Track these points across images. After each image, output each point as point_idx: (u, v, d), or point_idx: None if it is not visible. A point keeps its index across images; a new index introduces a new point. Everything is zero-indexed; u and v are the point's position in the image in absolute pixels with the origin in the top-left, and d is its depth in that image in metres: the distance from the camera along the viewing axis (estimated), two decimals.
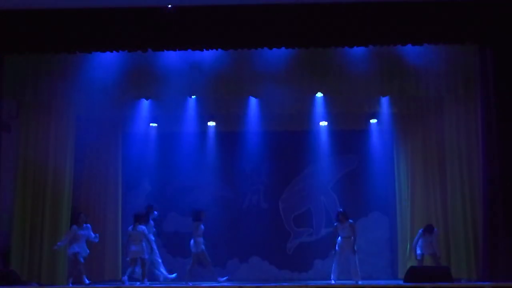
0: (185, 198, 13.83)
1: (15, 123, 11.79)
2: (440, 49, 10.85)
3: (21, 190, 11.32)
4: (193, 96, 12.07)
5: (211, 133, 13.75)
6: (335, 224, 11.52)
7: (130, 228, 11.27)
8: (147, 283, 10.97)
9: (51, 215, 11.45)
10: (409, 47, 10.64)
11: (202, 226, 11.38)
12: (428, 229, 11.44)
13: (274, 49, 10.54)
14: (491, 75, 10.39)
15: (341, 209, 11.67)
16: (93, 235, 11.30)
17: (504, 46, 10.28)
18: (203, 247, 11.32)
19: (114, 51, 10.52)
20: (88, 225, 11.42)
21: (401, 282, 10.51)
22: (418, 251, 11.46)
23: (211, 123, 13.46)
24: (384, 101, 12.26)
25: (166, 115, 12.92)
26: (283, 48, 10.55)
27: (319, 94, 11.90)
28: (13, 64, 11.01)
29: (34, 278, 11.08)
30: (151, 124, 13.42)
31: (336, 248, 11.33)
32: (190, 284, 10.93)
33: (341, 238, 11.34)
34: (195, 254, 11.34)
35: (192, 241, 11.38)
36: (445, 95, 11.39)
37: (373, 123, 13.44)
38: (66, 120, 11.84)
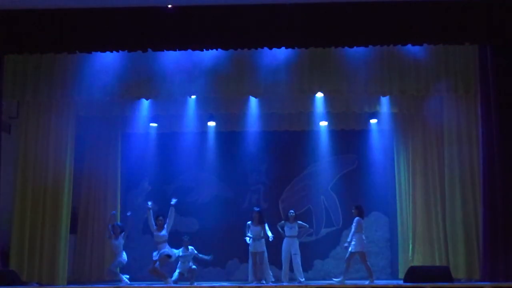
0: (185, 198, 13.84)
1: (15, 123, 11.80)
2: (440, 49, 10.85)
3: (21, 190, 11.29)
4: (193, 96, 12.06)
5: (211, 133, 13.76)
6: (282, 221, 11.85)
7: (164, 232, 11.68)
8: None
9: (51, 215, 11.44)
10: (409, 47, 10.65)
11: None
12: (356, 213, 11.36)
13: (274, 49, 10.53)
14: (491, 75, 10.38)
15: (292, 211, 11.89)
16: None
17: (503, 46, 10.27)
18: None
19: (114, 51, 10.50)
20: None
21: (401, 282, 10.50)
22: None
23: (211, 123, 13.45)
24: (384, 101, 12.26)
25: (166, 115, 12.92)
26: (283, 48, 10.55)
27: (319, 94, 11.89)
28: (13, 64, 11.01)
29: (34, 278, 11.07)
30: (151, 124, 13.43)
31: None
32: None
33: (286, 237, 11.66)
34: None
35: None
36: (445, 95, 11.38)
37: (373, 123, 13.45)
38: (66, 120, 11.83)
